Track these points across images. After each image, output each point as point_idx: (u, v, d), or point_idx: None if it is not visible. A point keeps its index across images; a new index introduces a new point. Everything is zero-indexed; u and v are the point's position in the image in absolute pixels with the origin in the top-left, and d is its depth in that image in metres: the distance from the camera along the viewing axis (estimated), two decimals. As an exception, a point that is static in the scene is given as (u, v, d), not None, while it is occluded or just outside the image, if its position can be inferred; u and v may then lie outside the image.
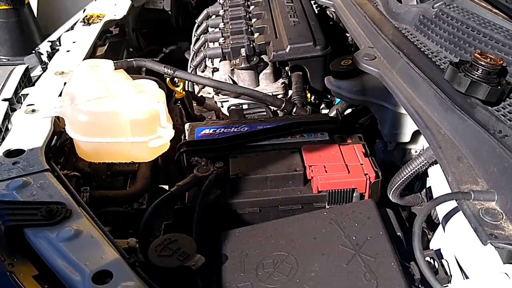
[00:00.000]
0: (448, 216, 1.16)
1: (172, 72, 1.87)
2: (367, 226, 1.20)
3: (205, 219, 1.34)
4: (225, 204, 1.37)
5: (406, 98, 1.34)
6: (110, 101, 1.66)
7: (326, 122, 1.59)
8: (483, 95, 1.14)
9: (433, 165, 1.36)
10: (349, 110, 1.99)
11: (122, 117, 1.62)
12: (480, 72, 1.15)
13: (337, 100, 2.27)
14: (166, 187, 2.00)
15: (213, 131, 1.56)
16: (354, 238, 1.17)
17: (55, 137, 1.66)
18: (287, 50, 2.06)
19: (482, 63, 1.15)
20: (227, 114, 2.15)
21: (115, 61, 1.85)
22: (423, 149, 1.74)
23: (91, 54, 2.20)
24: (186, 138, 1.59)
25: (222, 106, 2.19)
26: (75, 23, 2.43)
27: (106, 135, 1.63)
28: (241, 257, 1.19)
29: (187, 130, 1.61)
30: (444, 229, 1.18)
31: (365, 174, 1.35)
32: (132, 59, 1.87)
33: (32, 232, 1.16)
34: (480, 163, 1.10)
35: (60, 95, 1.76)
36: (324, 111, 2.20)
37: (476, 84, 1.14)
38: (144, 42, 2.99)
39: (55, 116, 1.65)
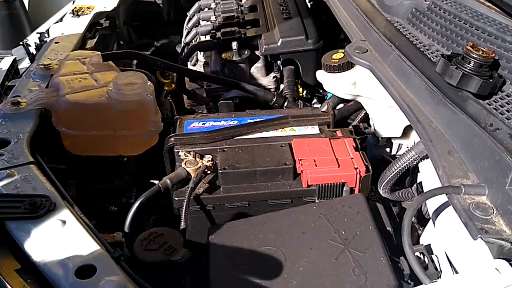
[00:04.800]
0: (438, 210, 1.15)
1: (161, 64, 1.84)
2: (356, 221, 1.19)
3: (193, 214, 1.33)
4: (214, 198, 1.35)
5: (397, 92, 1.32)
6: (98, 93, 1.63)
7: (317, 116, 1.56)
8: (475, 88, 1.13)
9: (424, 160, 1.34)
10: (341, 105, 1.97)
11: (110, 110, 1.59)
12: (472, 65, 1.14)
13: (329, 94, 2.25)
14: (157, 182, 1.98)
15: (203, 124, 1.53)
16: (343, 232, 1.16)
17: (41, 129, 1.63)
18: (278, 44, 2.04)
19: (474, 55, 1.13)
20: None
21: (103, 53, 1.82)
22: (414, 144, 1.73)
23: (80, 46, 2.17)
24: (175, 131, 1.56)
25: (213, 100, 2.16)
26: (64, 15, 2.40)
27: (93, 128, 1.60)
28: (229, 251, 1.17)
29: (176, 123, 1.58)
30: (434, 223, 1.17)
31: (355, 168, 1.32)
32: (121, 51, 1.84)
33: (15, 225, 1.14)
34: (471, 156, 1.08)
35: (47, 86, 1.73)
36: (316, 106, 2.18)
37: (468, 77, 1.13)
38: (135, 35, 2.96)
39: (42, 108, 1.62)
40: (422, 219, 1.44)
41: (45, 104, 1.61)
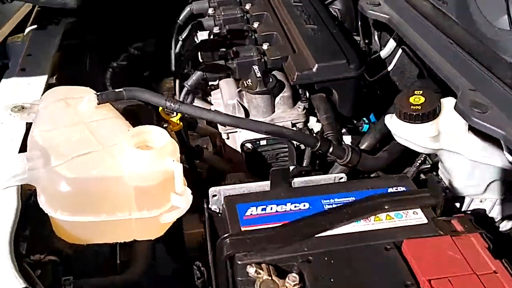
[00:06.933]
0: None
1: (177, 106, 1.38)
2: None
3: None
4: None
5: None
6: (103, 159, 1.17)
7: (416, 194, 1.15)
8: None
9: None
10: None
11: (123, 184, 1.13)
12: None
13: (365, 127, 1.88)
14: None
15: (262, 210, 1.09)
16: None
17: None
18: (314, 70, 1.63)
19: None
20: (235, 147, 1.70)
21: (98, 93, 1.33)
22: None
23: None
24: (227, 219, 1.10)
25: (228, 138, 1.72)
26: (29, 23, 1.85)
27: (100, 211, 1.14)
28: None
29: (220, 203, 1.14)
30: None
31: (509, 291, 0.93)
32: (121, 89, 1.35)
33: None
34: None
35: (23, 146, 1.24)
36: (346, 137, 1.77)
37: None
38: (105, 42, 2.42)
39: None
40: None
41: (27, 180, 1.13)
